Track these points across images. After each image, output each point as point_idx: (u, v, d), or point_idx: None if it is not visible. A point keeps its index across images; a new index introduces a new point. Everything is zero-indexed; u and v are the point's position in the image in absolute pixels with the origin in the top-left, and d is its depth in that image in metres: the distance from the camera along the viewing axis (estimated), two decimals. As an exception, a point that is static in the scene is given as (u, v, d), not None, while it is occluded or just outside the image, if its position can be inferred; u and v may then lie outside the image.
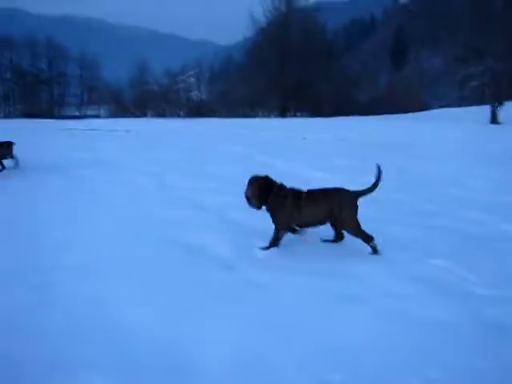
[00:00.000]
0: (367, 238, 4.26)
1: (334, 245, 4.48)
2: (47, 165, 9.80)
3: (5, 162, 9.04)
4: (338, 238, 4.51)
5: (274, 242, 4.35)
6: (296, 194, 4.30)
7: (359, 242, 4.50)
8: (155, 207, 6.07)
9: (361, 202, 6.08)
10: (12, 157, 9.29)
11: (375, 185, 4.45)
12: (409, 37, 77.73)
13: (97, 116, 52.20)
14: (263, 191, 4.32)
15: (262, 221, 4.79)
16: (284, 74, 52.23)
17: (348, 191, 4.36)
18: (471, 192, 7.30)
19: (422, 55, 69.45)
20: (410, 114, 40.61)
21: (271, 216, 4.37)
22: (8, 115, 53.18)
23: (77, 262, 4.01)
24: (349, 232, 4.34)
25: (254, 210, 4.50)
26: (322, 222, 4.36)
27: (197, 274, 3.75)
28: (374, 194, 7.11)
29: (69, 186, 7.70)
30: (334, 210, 4.22)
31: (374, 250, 4.25)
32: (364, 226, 4.30)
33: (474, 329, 2.92)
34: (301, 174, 8.56)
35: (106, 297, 3.31)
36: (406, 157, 11.83)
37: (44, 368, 2.51)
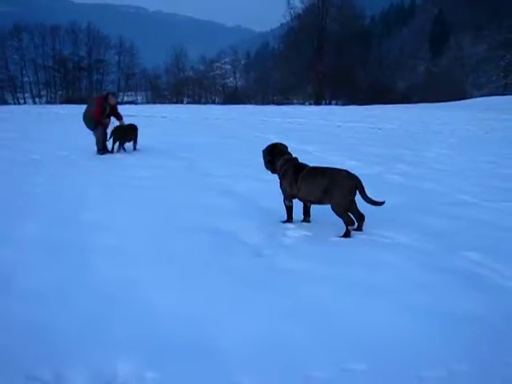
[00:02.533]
0: (348, 222, 4.33)
1: (363, 234, 4.44)
2: (83, 149, 10.05)
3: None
4: (359, 219, 4.47)
5: (287, 215, 4.70)
6: (298, 166, 4.59)
7: (390, 232, 4.46)
8: (187, 192, 6.16)
9: (392, 190, 6.02)
10: (135, 140, 9.98)
11: (375, 202, 4.40)
12: (449, 22, 75.19)
13: (133, 102, 52.96)
14: (270, 155, 4.75)
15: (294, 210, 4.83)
16: (320, 61, 51.57)
17: (349, 173, 4.37)
18: (509, 183, 7.07)
19: (464, 41, 67.23)
20: (448, 103, 39.44)
21: (279, 184, 4.72)
22: (50, 101, 54.67)
23: (111, 243, 4.12)
24: (333, 210, 4.38)
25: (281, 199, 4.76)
26: (320, 199, 4.43)
27: (225, 259, 3.79)
28: (405, 181, 7.06)
29: (104, 170, 7.87)
30: (328, 188, 4.31)
31: (346, 234, 4.31)
32: (393, 215, 4.24)
33: (505, 324, 2.86)
34: (333, 161, 8.48)
35: (137, 279, 3.39)
36: (440, 146, 11.54)
37: (72, 343, 2.59)
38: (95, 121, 9.40)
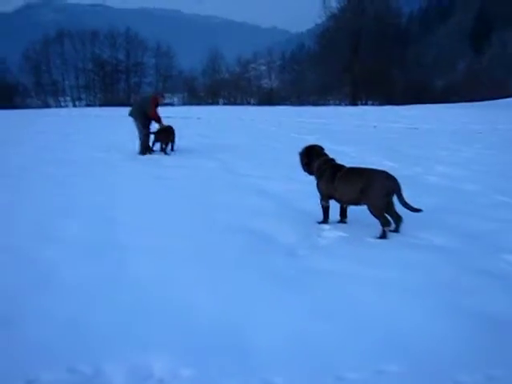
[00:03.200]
0: (385, 223, 4.29)
1: (400, 235, 4.39)
2: (117, 148, 10.30)
3: None
4: (397, 220, 4.43)
5: (324, 215, 4.72)
6: (335, 167, 4.59)
7: (427, 233, 4.40)
8: (223, 193, 6.23)
9: (430, 191, 5.93)
10: (173, 141, 10.26)
11: (413, 208, 4.33)
12: (491, 18, 73.01)
13: (171, 104, 53.75)
14: (307, 157, 4.77)
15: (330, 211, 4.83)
16: (356, 61, 51.05)
17: (387, 174, 4.31)
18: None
19: (507, 38, 65.07)
20: (489, 102, 38.28)
21: (316, 185, 4.71)
22: (89, 104, 56.23)
23: (148, 243, 4.22)
24: (370, 211, 4.34)
25: (317, 201, 4.78)
26: (357, 200, 4.40)
27: (260, 259, 3.82)
28: (443, 182, 6.92)
29: (143, 171, 8.04)
30: (364, 189, 4.26)
31: (383, 236, 4.28)
32: (430, 217, 4.17)
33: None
34: (370, 161, 8.40)
35: (173, 277, 3.47)
36: (479, 146, 11.23)
37: (107, 340, 2.67)
38: (153, 120, 9.79)
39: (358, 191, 4.32)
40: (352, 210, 4.78)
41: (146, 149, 9.85)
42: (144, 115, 9.70)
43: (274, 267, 3.66)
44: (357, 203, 4.46)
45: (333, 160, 4.74)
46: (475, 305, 3.03)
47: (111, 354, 2.53)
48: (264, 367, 2.41)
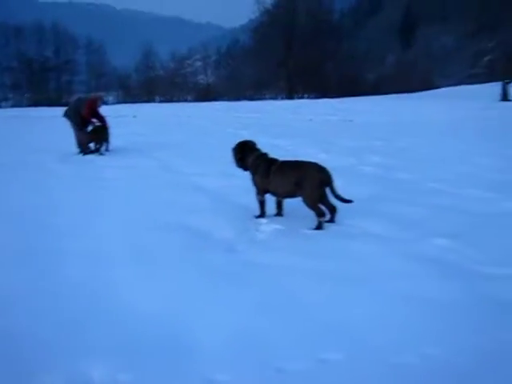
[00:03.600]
0: (319, 214, 4.38)
1: (336, 225, 4.47)
2: (49, 150, 9.88)
3: None
4: (331, 211, 4.52)
5: (260, 209, 4.74)
6: (269, 161, 4.64)
7: (363, 222, 4.51)
8: (160, 191, 6.11)
9: (365, 181, 6.09)
10: (107, 141, 9.90)
11: (344, 200, 4.47)
12: (417, 14, 76.36)
13: (105, 103, 52.12)
14: (241, 153, 4.80)
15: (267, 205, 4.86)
16: (290, 55, 51.78)
17: (319, 166, 4.41)
18: (478, 170, 7.21)
19: (431, 33, 68.32)
20: (419, 93, 40.09)
21: (252, 180, 4.76)
22: (17, 104, 53.36)
23: (83, 246, 4.04)
24: (305, 203, 4.42)
25: (254, 196, 4.82)
26: (292, 193, 4.48)
27: (199, 256, 3.77)
28: (377, 172, 7.15)
29: (73, 171, 7.75)
30: (298, 181, 4.35)
31: (319, 227, 4.36)
32: (365, 206, 4.28)
33: (477, 307, 2.91)
34: (305, 154, 8.52)
35: (111, 280, 3.34)
36: (412, 135, 11.71)
37: (43, 349, 2.54)
38: (85, 121, 9.46)
39: (292, 184, 4.39)
40: (288, 202, 4.82)
41: (84, 149, 9.53)
42: (79, 116, 9.39)
43: (212, 263, 3.62)
44: (292, 196, 4.53)
45: (266, 154, 4.78)
46: (411, 289, 3.13)
47: (48, 363, 2.42)
48: (206, 366, 2.37)
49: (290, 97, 49.76)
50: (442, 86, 46.51)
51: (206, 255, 3.79)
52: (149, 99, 58.11)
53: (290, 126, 15.24)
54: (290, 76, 52.12)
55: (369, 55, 62.30)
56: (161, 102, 55.31)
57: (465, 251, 3.80)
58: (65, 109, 9.82)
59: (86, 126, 9.56)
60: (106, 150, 9.92)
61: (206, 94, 56.47)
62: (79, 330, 2.71)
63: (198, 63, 71.39)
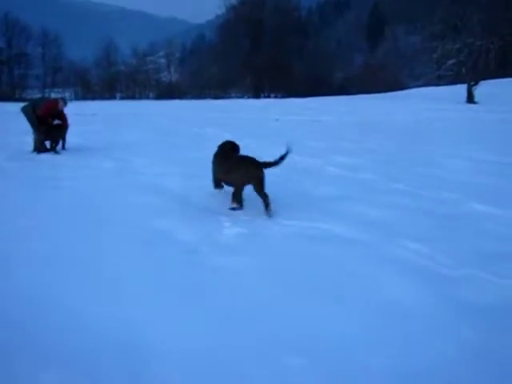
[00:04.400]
0: (238, 202, 5.01)
1: (301, 227, 4.51)
2: (3, 147, 9.60)
3: None
4: (264, 199, 4.92)
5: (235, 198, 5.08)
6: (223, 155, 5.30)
7: (327, 223, 4.57)
8: (118, 192, 6.00)
9: (329, 181, 6.17)
10: (64, 139, 9.76)
11: (281, 158, 5.11)
12: (385, 14, 77.93)
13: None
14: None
15: (226, 206, 5.01)
16: (257, 53, 52.05)
17: (250, 160, 5.04)
18: (444, 172, 7.40)
19: (399, 33, 69.79)
20: (386, 94, 40.92)
21: None
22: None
23: (33, 251, 3.93)
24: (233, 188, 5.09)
25: (219, 195, 5.28)
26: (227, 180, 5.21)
27: (159, 259, 3.73)
28: (342, 172, 7.26)
29: (26, 170, 7.55)
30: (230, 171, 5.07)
31: (232, 208, 5.00)
32: (330, 206, 4.33)
33: (441, 310, 2.99)
34: (270, 154, 8.56)
35: (58, 291, 3.23)
36: (379, 137, 11.95)
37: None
38: (41, 121, 9.25)
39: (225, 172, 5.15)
40: (253, 203, 4.84)
41: (39, 147, 9.31)
42: (35, 114, 9.20)
43: (173, 269, 3.59)
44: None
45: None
46: (374, 293, 3.19)
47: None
48: (165, 380, 2.34)
49: (257, 96, 49.96)
50: (411, 87, 47.63)
51: (166, 260, 3.75)
52: (109, 96, 57.27)
53: (257, 126, 15.27)
54: (256, 74, 52.35)
55: (336, 54, 63.24)
56: (122, 99, 54.62)
57: (429, 253, 3.90)
58: (24, 104, 9.61)
59: (43, 125, 9.35)
60: (63, 148, 9.72)
61: (168, 92, 56.09)
62: (28, 339, 2.64)
63: (162, 60, 70.77)
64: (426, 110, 21.59)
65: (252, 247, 4.04)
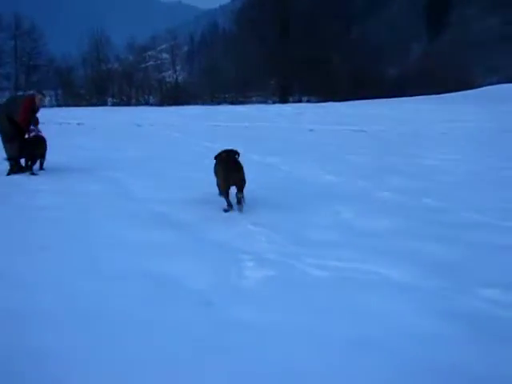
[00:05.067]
0: (225, 197, 6.64)
1: (347, 270, 4.50)
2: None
3: None
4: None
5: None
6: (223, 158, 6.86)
7: (380, 266, 4.55)
8: (111, 225, 6.08)
9: (382, 211, 6.15)
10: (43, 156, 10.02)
11: (240, 203, 6.70)
12: (450, -9, 77.76)
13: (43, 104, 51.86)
14: None
15: (248, 241, 5.09)
16: (285, 45, 52.16)
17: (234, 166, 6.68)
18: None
19: (469, 15, 69.39)
20: (453, 94, 40.63)
21: None
22: None
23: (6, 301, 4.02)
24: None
25: (236, 230, 5.64)
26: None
27: (165, 313, 3.75)
28: (398, 199, 7.20)
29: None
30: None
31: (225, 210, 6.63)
32: (384, 244, 4.30)
33: None
34: (304, 176, 8.60)
35: (48, 349, 3.30)
36: (444, 151, 11.88)
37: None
38: (21, 129, 9.46)
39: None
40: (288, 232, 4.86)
41: (12, 166, 9.47)
42: (9, 120, 9.31)
43: (182, 323, 3.61)
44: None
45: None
46: (439, 358, 3.16)
47: None
48: None
49: (284, 100, 50.15)
50: (486, 84, 47.11)
51: (173, 312, 3.77)
52: (99, 101, 58.21)
53: (286, 140, 15.37)
54: (284, 72, 52.44)
55: (388, 45, 63.17)
56: (114, 105, 55.51)
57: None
58: None
59: (20, 135, 9.48)
60: (41, 168, 9.90)
61: (174, 96, 56.73)
62: None
63: (165, 55, 71.71)
64: (508, 113, 21.30)
65: (283, 297, 4.04)
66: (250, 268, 4.61)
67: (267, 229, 5.68)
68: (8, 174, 9.43)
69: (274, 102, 48.65)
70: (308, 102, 48.44)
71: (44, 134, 10.12)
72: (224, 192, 6.68)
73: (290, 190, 7.76)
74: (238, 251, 4.92)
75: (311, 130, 17.68)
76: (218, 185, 6.92)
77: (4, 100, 10.29)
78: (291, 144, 13.90)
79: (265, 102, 49.50)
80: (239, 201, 6.66)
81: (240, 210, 6.60)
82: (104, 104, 56.17)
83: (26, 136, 9.65)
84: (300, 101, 51.24)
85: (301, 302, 3.95)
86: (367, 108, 28.48)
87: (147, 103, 57.96)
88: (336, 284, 4.26)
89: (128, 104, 55.61)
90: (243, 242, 5.19)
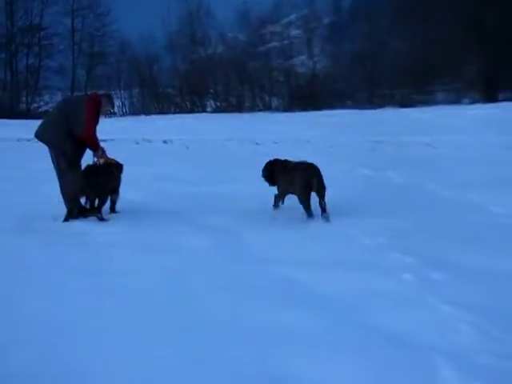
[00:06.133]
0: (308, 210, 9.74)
1: None
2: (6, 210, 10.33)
3: None
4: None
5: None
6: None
7: None
8: (225, 305, 6.03)
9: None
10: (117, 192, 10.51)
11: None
12: None
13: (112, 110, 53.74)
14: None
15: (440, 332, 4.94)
16: (486, 10, 51.39)
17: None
18: None
19: None
20: None
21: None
22: None
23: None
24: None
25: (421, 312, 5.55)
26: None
27: None
28: None
29: (48, 256, 8.01)
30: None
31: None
32: None
33: None
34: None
35: None
36: None
37: None
38: (87, 145, 9.87)
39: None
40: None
41: (73, 206, 9.75)
42: (69, 136, 9.60)
43: None
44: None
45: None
46: None
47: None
48: None
49: (492, 97, 49.22)
50: None
51: None
52: (195, 106, 59.73)
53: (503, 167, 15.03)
54: (487, 53, 51.50)
55: None
56: (218, 111, 56.76)
57: None
58: (39, 124, 10.19)
59: (83, 153, 9.78)
60: (112, 210, 10.19)
61: (310, 96, 57.20)
62: None
63: (295, 31, 71.66)
64: None
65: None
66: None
67: (473, 313, 5.42)
68: (65, 220, 9.72)
69: (471, 103, 47.84)
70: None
71: (116, 158, 10.43)
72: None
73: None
74: (428, 349, 4.75)
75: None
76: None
77: (52, 108, 10.46)
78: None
79: (458, 102, 48.82)
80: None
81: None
82: (203, 110, 57.65)
83: (95, 159, 9.95)
84: (513, 98, 49.79)
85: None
86: None
87: (268, 108, 58.79)
88: None
89: (239, 109, 56.68)
90: (433, 332, 5.04)
